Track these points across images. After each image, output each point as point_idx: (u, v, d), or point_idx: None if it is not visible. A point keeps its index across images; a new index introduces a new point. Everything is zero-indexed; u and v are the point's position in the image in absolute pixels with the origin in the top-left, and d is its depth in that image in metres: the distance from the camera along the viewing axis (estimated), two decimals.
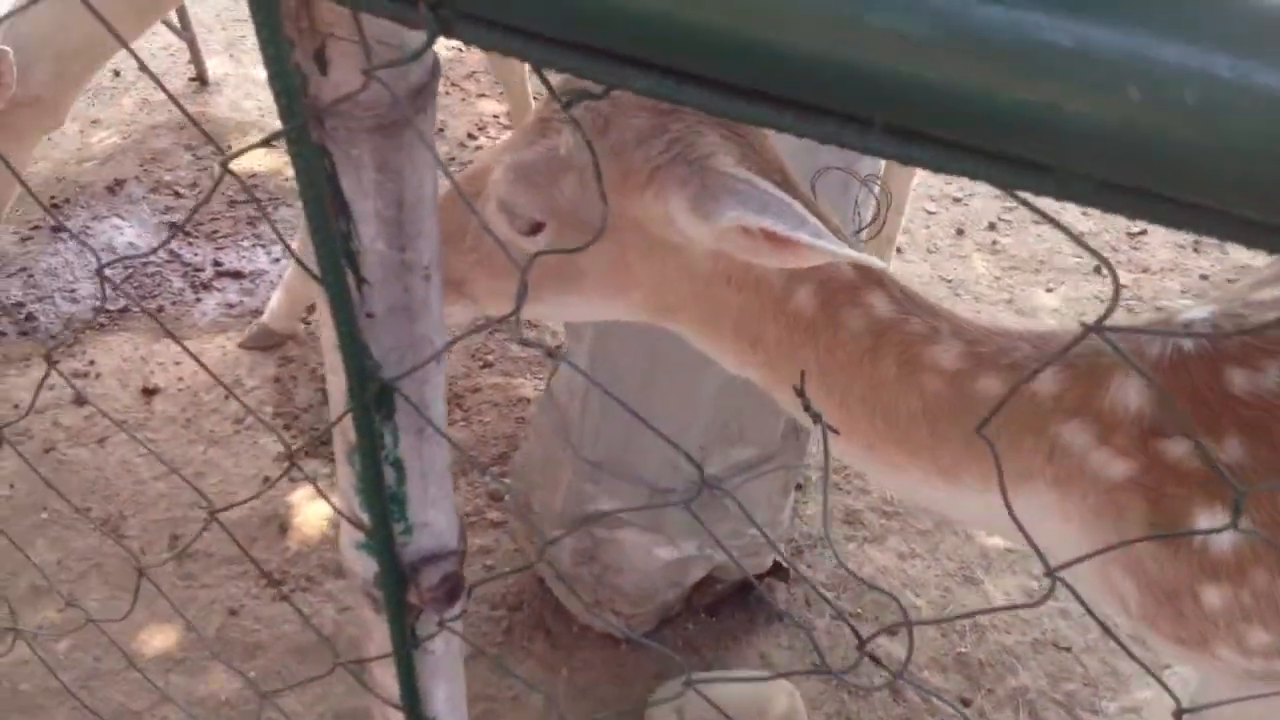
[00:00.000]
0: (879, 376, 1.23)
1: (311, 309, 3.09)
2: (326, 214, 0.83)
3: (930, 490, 1.30)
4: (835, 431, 1.10)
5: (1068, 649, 2.39)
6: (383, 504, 1.01)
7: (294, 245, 3.10)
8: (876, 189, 1.61)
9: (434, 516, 1.06)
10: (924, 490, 1.31)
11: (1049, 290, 3.37)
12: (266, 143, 0.81)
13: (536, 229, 1.19)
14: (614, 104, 1.15)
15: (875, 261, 0.99)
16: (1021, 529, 0.81)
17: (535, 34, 0.64)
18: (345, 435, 0.99)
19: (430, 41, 0.68)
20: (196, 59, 4.11)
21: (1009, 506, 0.79)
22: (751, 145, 1.15)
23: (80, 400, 2.89)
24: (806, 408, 1.04)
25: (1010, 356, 1.21)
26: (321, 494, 1.15)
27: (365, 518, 1.03)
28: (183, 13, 3.93)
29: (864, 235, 1.82)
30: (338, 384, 0.97)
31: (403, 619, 1.09)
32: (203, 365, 1.07)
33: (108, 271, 3.37)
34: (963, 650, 2.34)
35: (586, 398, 2.03)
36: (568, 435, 2.10)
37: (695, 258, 1.18)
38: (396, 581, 1.06)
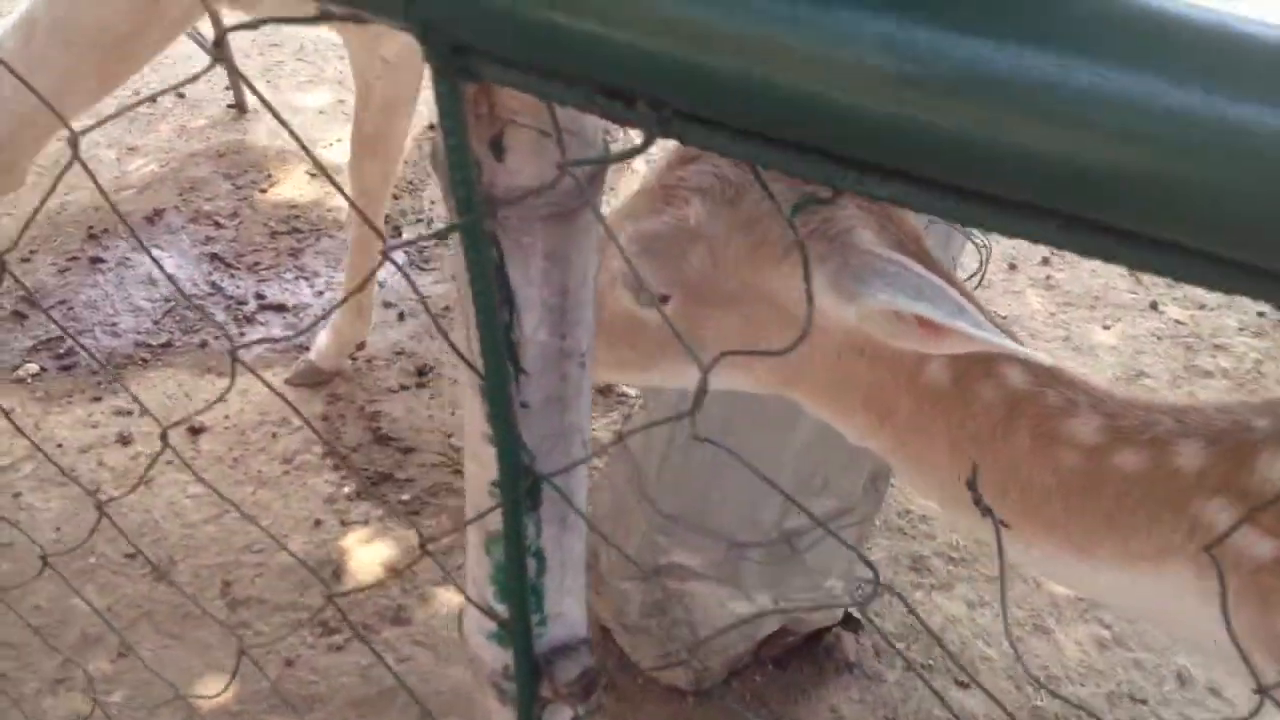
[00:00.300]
0: (1012, 450, 1.18)
1: (360, 346, 3.05)
2: (493, 306, 0.79)
3: (1059, 566, 1.25)
4: (1007, 526, 1.05)
5: (1143, 701, 2.33)
6: (523, 596, 0.96)
7: (340, 282, 3.06)
8: (978, 240, 1.57)
9: (568, 606, 1.01)
10: (1050, 565, 1.27)
11: (1106, 327, 3.30)
12: (441, 236, 0.77)
13: (660, 301, 1.15)
14: (745, 173, 1.11)
15: (1042, 358, 0.94)
16: (1236, 642, 0.76)
17: (759, 135, 0.60)
18: (485, 526, 0.94)
19: (647, 143, 0.63)
20: (235, 86, 4.07)
21: (1229, 624, 0.74)
22: (889, 217, 1.11)
23: (125, 439, 2.85)
24: (977, 502, 0.99)
25: (1151, 430, 1.17)
26: (450, 577, 1.10)
27: (501, 608, 0.98)
28: (221, 39, 3.89)
29: None
30: (480, 474, 0.92)
31: (530, 710, 1.05)
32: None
33: (145, 304, 3.35)
34: (1038, 704, 2.28)
35: (667, 450, 1.98)
36: (642, 487, 2.06)
37: (827, 332, 1.13)
38: (529, 673, 1.01)
